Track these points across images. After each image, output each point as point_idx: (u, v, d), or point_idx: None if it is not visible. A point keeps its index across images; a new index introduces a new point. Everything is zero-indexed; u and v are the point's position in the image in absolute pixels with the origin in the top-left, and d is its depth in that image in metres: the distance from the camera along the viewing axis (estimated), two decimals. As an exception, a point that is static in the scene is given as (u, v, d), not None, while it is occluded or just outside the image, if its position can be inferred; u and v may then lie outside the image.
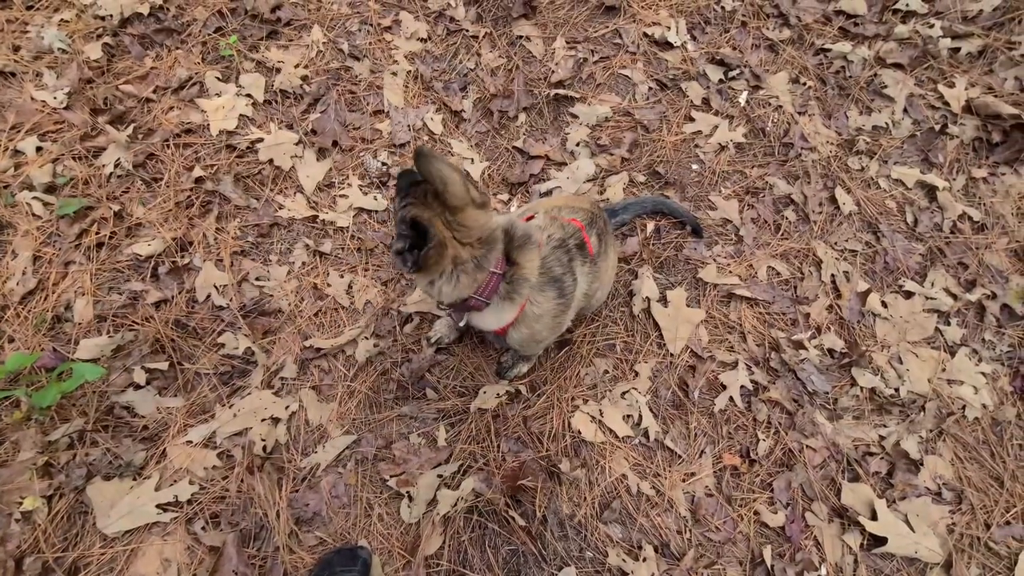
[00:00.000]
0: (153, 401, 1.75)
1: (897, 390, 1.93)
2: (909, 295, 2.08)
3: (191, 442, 1.72)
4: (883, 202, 2.24)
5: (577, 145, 2.30)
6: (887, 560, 1.70)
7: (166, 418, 1.75)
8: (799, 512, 1.75)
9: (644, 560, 1.65)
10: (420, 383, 1.87)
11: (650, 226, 2.16)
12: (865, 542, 1.72)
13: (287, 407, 1.79)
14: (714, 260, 2.11)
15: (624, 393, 1.89)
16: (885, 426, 1.88)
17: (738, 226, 2.17)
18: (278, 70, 2.34)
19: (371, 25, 2.49)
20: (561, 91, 2.37)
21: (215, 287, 1.93)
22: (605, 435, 1.83)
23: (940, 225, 2.20)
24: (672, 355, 1.95)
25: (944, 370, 1.96)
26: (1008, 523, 1.76)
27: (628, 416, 1.87)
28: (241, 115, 2.23)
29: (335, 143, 2.23)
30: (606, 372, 1.93)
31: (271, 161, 2.17)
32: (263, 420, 1.76)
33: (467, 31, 2.49)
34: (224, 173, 2.12)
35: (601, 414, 1.86)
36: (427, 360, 1.89)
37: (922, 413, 1.89)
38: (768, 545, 1.69)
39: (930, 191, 2.25)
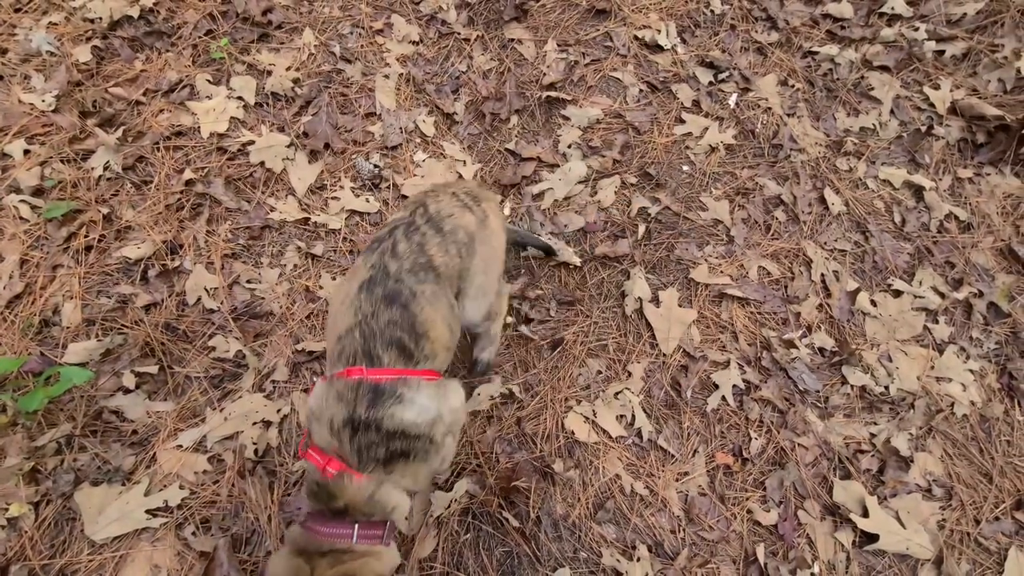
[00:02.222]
0: (143, 405, 1.73)
1: (887, 388, 1.94)
2: (898, 294, 2.10)
3: (181, 446, 1.70)
4: (871, 202, 2.26)
5: (569, 147, 2.31)
6: (879, 557, 1.71)
7: (156, 422, 1.73)
8: (792, 510, 1.76)
9: (638, 560, 1.65)
10: (413, 385, 1.86)
11: (641, 228, 2.17)
12: (857, 539, 1.72)
13: (279, 410, 1.78)
14: (705, 260, 2.12)
15: (617, 393, 1.89)
16: (875, 424, 1.89)
17: (729, 227, 2.19)
18: (269, 73, 2.34)
19: (363, 28, 2.50)
20: (553, 93, 2.38)
21: (206, 290, 1.92)
22: (598, 435, 1.83)
23: (927, 225, 2.22)
24: (665, 355, 1.96)
25: (933, 368, 1.98)
26: (997, 519, 1.78)
27: (621, 416, 1.87)
28: (232, 117, 2.22)
29: (327, 145, 2.23)
30: (599, 372, 1.94)
31: (262, 163, 2.16)
32: (254, 424, 1.75)
33: (459, 34, 2.50)
34: (215, 175, 2.11)
35: (594, 414, 1.86)
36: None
37: (912, 411, 1.91)
38: (761, 543, 1.69)
39: (917, 191, 2.28)
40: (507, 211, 2.19)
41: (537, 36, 2.54)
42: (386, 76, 2.39)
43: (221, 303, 1.91)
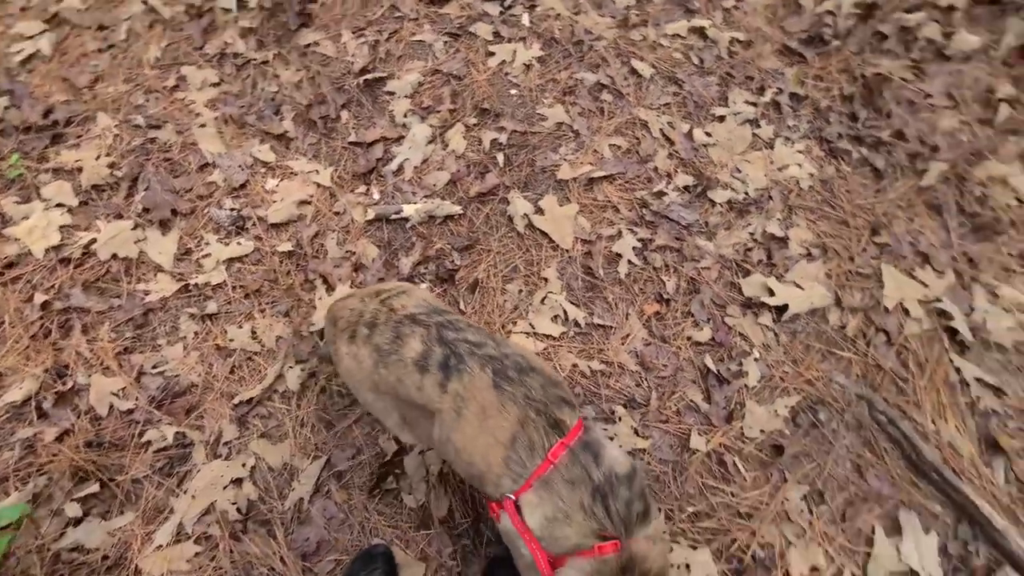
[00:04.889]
0: (100, 528, 1.63)
1: (747, 194, 2.24)
2: (722, 119, 2.41)
3: (161, 546, 1.62)
4: (671, 56, 2.56)
5: (405, 116, 2.40)
6: (795, 321, 2.00)
7: (123, 537, 1.64)
8: (720, 320, 2.00)
9: (620, 419, 1.81)
10: (361, 380, 1.89)
11: (500, 158, 2.32)
12: (775, 316, 2.00)
13: (243, 464, 1.74)
14: (564, 160, 2.31)
15: (543, 300, 2.04)
16: (750, 224, 2.18)
17: (571, 124, 2.39)
18: (80, 169, 2.21)
19: (156, 91, 2.41)
20: (368, 76, 2.45)
21: (113, 395, 1.82)
22: (544, 341, 1.97)
23: (720, 55, 2.56)
24: (567, 251, 2.13)
25: (772, 163, 2.31)
26: (864, 250, 2.13)
27: (556, 316, 2.01)
28: (61, 226, 2.09)
29: (174, 212, 2.16)
30: (520, 291, 2.07)
31: (115, 256, 2.06)
32: (224, 488, 1.70)
33: (255, 59, 2.49)
34: (69, 288, 1.98)
35: (532, 327, 1.99)
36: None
37: (771, 201, 2.22)
38: (707, 355, 1.92)
39: (701, 32, 2.61)
40: (376, 195, 2.25)
41: (330, 32, 2.58)
42: (202, 125, 2.34)
43: (136, 399, 1.82)
